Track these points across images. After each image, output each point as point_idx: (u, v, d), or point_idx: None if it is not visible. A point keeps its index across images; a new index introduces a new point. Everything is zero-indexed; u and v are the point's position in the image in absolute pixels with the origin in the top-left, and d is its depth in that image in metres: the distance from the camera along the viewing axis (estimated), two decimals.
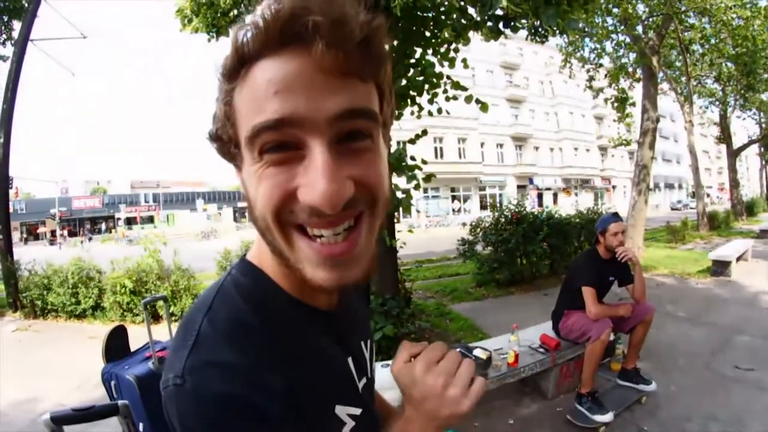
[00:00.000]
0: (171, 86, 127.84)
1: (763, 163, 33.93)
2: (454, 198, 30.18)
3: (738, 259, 6.90)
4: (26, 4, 7.35)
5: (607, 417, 2.45)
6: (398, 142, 4.00)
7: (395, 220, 4.31)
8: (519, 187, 31.16)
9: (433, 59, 4.08)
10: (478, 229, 6.56)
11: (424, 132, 4.11)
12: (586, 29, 9.02)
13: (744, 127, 22.82)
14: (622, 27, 9.62)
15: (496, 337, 3.14)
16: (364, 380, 0.60)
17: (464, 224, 10.23)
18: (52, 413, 1.13)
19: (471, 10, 3.62)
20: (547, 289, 5.77)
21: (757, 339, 3.82)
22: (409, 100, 4.10)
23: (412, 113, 4.24)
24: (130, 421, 1.40)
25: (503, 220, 6.37)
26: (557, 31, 3.36)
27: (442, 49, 4.17)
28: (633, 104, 10.62)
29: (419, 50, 4.14)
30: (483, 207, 28.70)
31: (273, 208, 0.40)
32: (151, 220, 37.55)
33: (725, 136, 18.38)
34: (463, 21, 3.62)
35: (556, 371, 2.83)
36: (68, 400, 3.03)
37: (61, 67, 9.15)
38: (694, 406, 2.67)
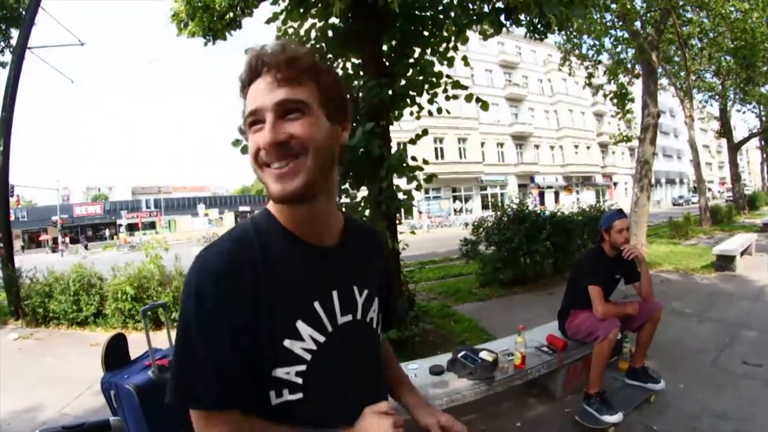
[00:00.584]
0: (171, 90, 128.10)
1: (764, 156, 33.85)
2: (455, 198, 30.17)
3: (742, 253, 6.85)
4: (23, 12, 7.36)
5: (616, 417, 2.41)
6: (398, 143, 3.95)
7: (397, 222, 4.26)
8: (520, 186, 31.10)
9: (433, 59, 4.06)
10: (481, 229, 6.53)
11: (425, 132, 4.08)
12: (585, 25, 8.98)
13: (744, 120, 22.85)
14: (621, 23, 9.60)
15: (502, 339, 3.09)
16: (348, 317, 0.76)
17: (466, 224, 10.19)
18: (41, 430, 1.11)
19: (472, 6, 3.59)
20: (552, 288, 5.72)
21: (765, 334, 3.76)
22: (408, 100, 4.07)
23: (412, 113, 4.21)
24: None
25: (505, 219, 6.33)
26: (558, 24, 3.30)
27: (441, 49, 4.15)
28: (632, 100, 10.59)
29: (418, 50, 4.12)
30: (485, 207, 28.68)
31: (253, 155, 0.68)
32: (152, 225, 37.62)
33: (725, 131, 18.33)
34: (463, 17, 3.59)
35: (563, 372, 2.79)
36: (70, 409, 3.01)
37: (60, 75, 9.16)
38: (703, 404, 2.63)
